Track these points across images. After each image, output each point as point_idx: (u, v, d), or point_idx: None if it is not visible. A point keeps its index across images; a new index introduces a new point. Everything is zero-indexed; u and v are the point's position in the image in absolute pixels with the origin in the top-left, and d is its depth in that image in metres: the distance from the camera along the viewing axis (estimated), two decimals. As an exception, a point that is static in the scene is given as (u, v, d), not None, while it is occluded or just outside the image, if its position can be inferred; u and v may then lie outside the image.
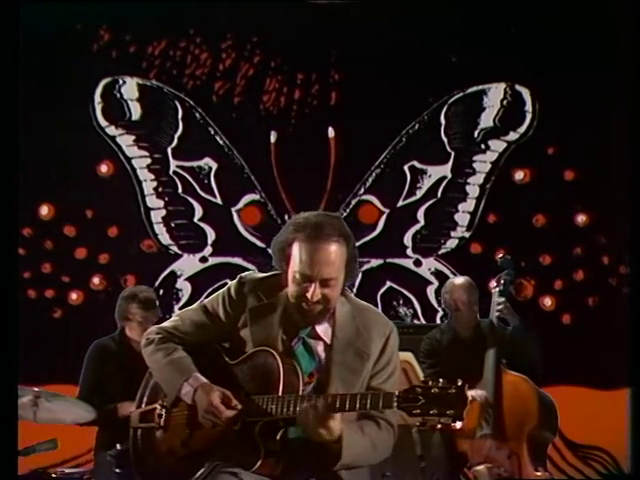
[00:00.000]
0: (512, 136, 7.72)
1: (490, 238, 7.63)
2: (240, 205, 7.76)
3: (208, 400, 3.26)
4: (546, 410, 5.50)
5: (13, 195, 3.74)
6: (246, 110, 7.75)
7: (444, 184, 7.74)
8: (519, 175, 7.74)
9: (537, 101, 7.68)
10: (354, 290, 6.46)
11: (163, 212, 7.75)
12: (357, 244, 3.38)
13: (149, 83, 7.77)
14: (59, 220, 7.66)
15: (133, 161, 7.74)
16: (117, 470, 4.93)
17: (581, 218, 7.65)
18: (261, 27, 7.68)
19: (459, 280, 6.01)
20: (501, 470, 5.41)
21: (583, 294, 7.60)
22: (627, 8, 5.88)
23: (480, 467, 5.43)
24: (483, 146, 7.74)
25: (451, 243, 7.74)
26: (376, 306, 3.66)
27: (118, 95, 7.74)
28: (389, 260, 7.73)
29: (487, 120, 7.73)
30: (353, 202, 7.73)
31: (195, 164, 7.77)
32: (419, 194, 7.75)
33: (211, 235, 7.75)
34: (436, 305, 7.58)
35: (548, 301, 7.63)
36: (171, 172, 7.76)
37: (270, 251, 3.42)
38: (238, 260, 7.70)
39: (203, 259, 7.75)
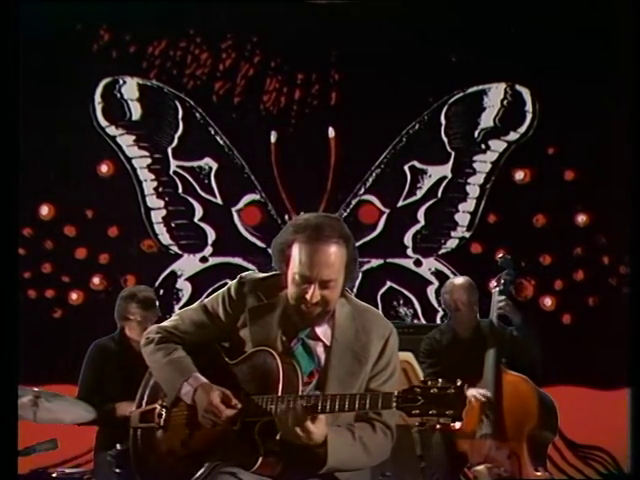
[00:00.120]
0: (512, 136, 7.72)
1: (490, 238, 7.63)
2: (240, 205, 7.76)
3: (208, 399, 3.26)
4: (546, 410, 5.50)
5: (13, 195, 3.75)
6: (246, 110, 7.75)
7: (444, 184, 7.74)
8: (519, 175, 7.74)
9: (537, 101, 7.68)
10: (354, 290, 6.46)
11: (163, 212, 7.76)
12: (357, 244, 3.37)
13: (149, 83, 7.77)
14: (59, 220, 7.66)
15: (133, 161, 7.75)
16: (117, 470, 4.92)
17: (581, 218, 7.65)
18: (261, 27, 7.68)
19: (459, 280, 6.01)
20: (501, 470, 5.41)
21: (583, 294, 7.59)
22: (627, 8, 5.89)
23: (480, 467, 5.42)
24: (483, 146, 7.74)
25: (451, 243, 7.74)
26: (376, 306, 3.67)
27: (118, 95, 7.74)
28: (389, 260, 7.73)
29: (487, 120, 7.73)
30: (353, 202, 7.73)
31: (195, 164, 7.77)
32: (419, 194, 7.75)
33: (211, 235, 7.75)
34: (436, 305, 7.58)
35: (548, 301, 7.63)
36: (171, 172, 7.77)
37: (270, 251, 3.43)
38: (238, 260, 7.70)
39: (203, 259, 7.75)
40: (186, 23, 7.75)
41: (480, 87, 7.73)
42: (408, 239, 7.73)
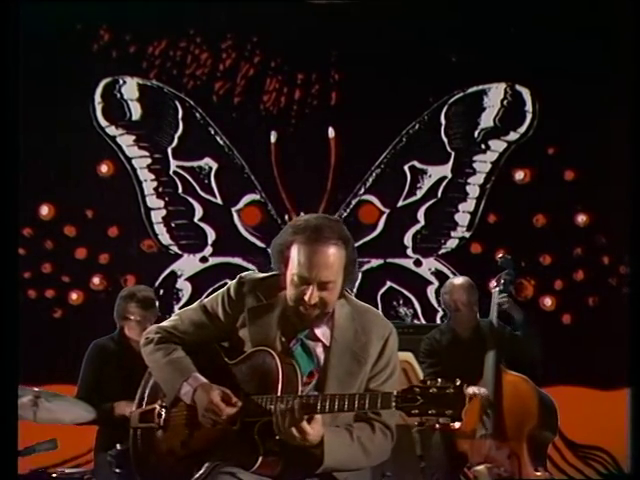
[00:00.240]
0: (512, 136, 7.72)
1: (490, 238, 7.63)
2: (240, 205, 7.76)
3: (208, 398, 3.26)
4: (546, 410, 5.50)
5: (13, 195, 3.75)
6: (246, 110, 7.75)
7: (444, 184, 7.74)
8: (519, 175, 7.74)
9: (537, 101, 7.68)
10: (354, 290, 6.46)
11: (163, 212, 7.76)
12: (357, 244, 3.37)
13: (149, 83, 7.77)
14: (59, 220, 7.66)
15: (133, 161, 7.74)
16: (117, 470, 4.92)
17: (581, 218, 7.65)
18: (261, 27, 7.68)
19: (459, 280, 6.01)
20: (501, 470, 5.42)
21: (583, 294, 7.59)
22: (627, 8, 5.88)
23: (480, 467, 5.43)
24: (483, 146, 7.73)
25: (451, 243, 7.74)
26: (376, 306, 3.66)
27: (118, 95, 7.74)
28: (389, 260, 7.73)
29: (487, 120, 7.73)
30: (353, 202, 7.73)
31: (195, 164, 7.77)
32: (419, 194, 7.75)
33: (211, 235, 7.75)
34: (436, 305, 7.58)
35: (548, 301, 7.62)
36: (171, 172, 7.76)
37: (269, 252, 3.43)
38: (238, 260, 7.70)
39: (203, 259, 7.75)
40: (186, 23, 7.74)
41: (480, 87, 7.73)
42: (408, 239, 7.73)
